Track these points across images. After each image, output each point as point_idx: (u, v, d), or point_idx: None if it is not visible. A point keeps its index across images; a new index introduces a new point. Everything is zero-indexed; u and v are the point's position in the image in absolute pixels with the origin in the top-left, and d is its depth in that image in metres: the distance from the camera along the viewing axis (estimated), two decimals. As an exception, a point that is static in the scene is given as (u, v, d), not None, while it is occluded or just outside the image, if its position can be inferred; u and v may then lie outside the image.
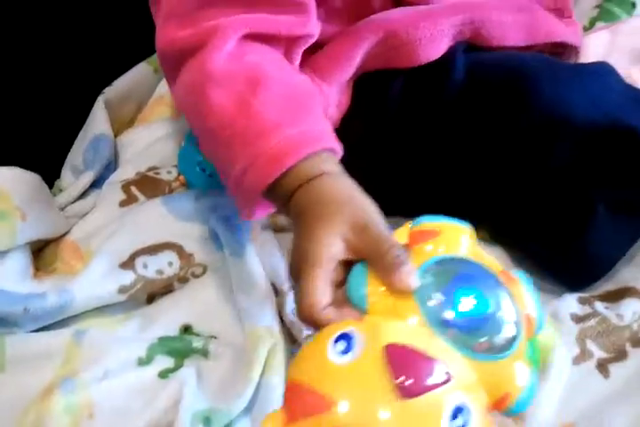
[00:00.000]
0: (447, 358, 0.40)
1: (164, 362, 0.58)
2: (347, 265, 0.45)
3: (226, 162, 0.54)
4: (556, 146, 0.59)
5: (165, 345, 0.59)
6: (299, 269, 0.45)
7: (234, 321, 0.61)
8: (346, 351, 0.40)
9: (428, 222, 0.46)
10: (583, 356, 0.55)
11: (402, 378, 0.38)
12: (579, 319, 0.57)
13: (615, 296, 0.59)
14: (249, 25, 0.55)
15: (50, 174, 0.78)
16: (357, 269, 0.44)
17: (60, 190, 0.77)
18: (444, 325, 0.41)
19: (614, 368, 0.55)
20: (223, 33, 0.54)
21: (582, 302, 0.58)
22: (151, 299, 0.64)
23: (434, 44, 0.63)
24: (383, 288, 0.42)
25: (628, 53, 0.75)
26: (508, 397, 0.41)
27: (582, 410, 0.53)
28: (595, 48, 0.75)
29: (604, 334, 0.56)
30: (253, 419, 0.55)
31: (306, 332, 0.58)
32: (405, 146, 0.63)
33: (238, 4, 0.55)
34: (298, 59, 0.60)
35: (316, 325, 0.43)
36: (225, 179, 0.55)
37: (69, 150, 0.80)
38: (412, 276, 0.42)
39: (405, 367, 0.39)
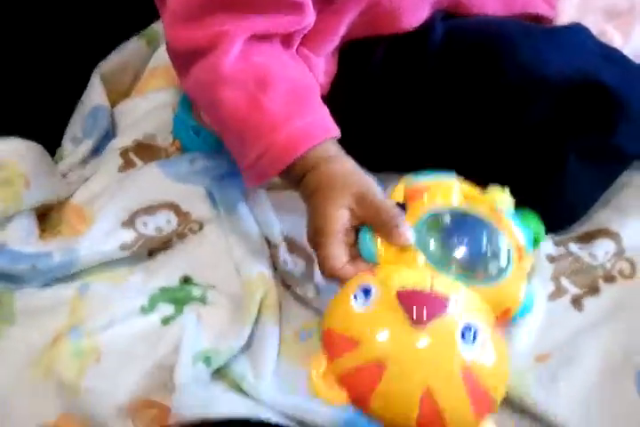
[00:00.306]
0: (450, 290, 0.48)
1: (166, 310, 0.61)
2: (355, 228, 0.54)
3: (239, 150, 0.59)
4: (532, 103, 0.61)
5: (166, 294, 0.62)
6: (316, 241, 0.53)
7: (230, 272, 0.64)
8: (365, 302, 0.48)
9: (421, 181, 0.54)
10: (558, 292, 0.58)
11: (411, 313, 0.46)
12: (553, 259, 0.60)
13: (589, 237, 0.61)
14: (253, 29, 0.58)
15: (51, 145, 0.80)
16: (364, 231, 0.53)
17: (62, 158, 0.79)
18: (443, 264, 0.50)
19: (588, 303, 0.58)
20: (231, 38, 0.58)
21: (557, 243, 0.61)
22: (151, 255, 0.67)
23: (415, 12, 0.65)
24: (387, 244, 0.51)
25: (602, 12, 0.77)
26: (510, 310, 0.49)
27: (557, 341, 0.56)
28: (569, 9, 0.77)
29: (577, 272, 0.59)
30: (250, 358, 0.58)
31: (298, 279, 0.61)
32: (389, 106, 0.66)
33: (242, 9, 0.58)
34: (296, 44, 0.63)
35: (339, 279, 0.52)
36: (236, 160, 0.60)
37: (68, 122, 0.83)
38: (407, 233, 0.51)
39: (413, 305, 0.46)
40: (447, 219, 0.51)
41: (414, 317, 0.46)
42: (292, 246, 0.65)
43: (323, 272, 0.53)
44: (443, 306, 0.46)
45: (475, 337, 0.46)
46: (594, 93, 0.59)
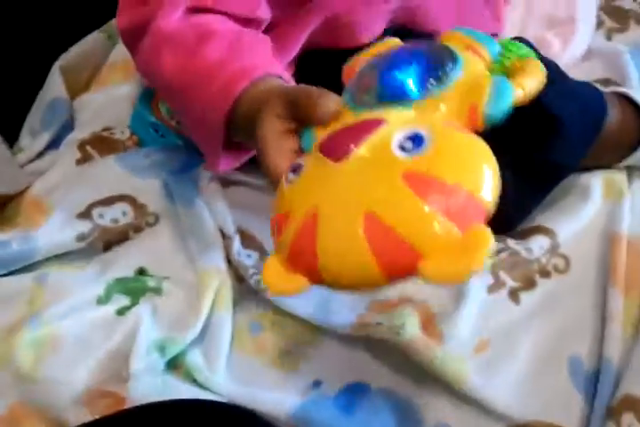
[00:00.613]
0: (379, 114, 0.39)
1: (121, 301, 0.61)
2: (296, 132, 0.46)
3: (187, 110, 0.55)
4: None
5: (122, 285, 0.62)
6: (258, 158, 0.46)
7: (185, 264, 0.63)
8: (295, 177, 0.40)
9: (360, 55, 0.47)
10: (497, 285, 0.59)
11: (327, 151, 0.38)
12: (492, 254, 0.61)
13: (525, 234, 0.62)
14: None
15: (9, 138, 0.79)
16: (304, 131, 0.44)
17: (20, 151, 0.78)
18: (371, 103, 0.41)
19: (524, 296, 0.59)
20: (173, 4, 0.55)
21: (496, 239, 0.61)
22: (108, 247, 0.66)
23: (371, 26, 0.65)
24: (324, 128, 0.42)
25: (544, 20, 0.79)
26: (476, 106, 0.39)
27: (496, 331, 0.57)
28: (512, 16, 0.79)
29: (515, 266, 0.60)
30: (204, 350, 0.58)
31: (251, 270, 0.62)
32: None
33: None
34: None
35: None
36: (191, 131, 0.57)
37: (27, 115, 0.82)
38: (328, 101, 0.43)
39: (331, 142, 0.39)
40: (382, 60, 0.43)
41: (331, 152, 0.38)
42: (246, 239, 0.65)
43: (274, 188, 0.44)
44: (368, 129, 0.38)
45: (419, 143, 0.37)
46: (529, 110, 0.60)
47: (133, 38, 0.59)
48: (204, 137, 0.56)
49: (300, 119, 0.45)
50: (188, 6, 0.56)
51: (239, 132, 0.53)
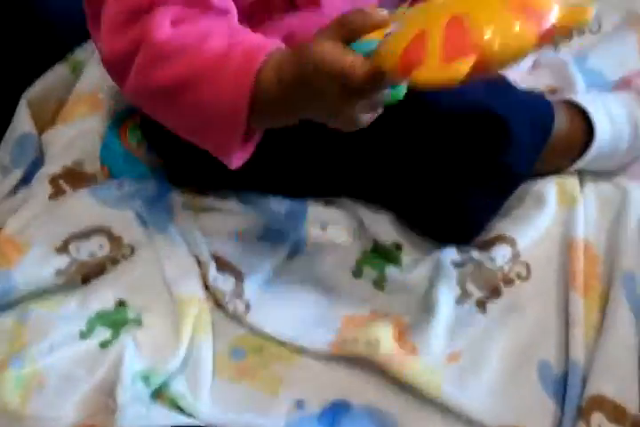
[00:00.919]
0: None
1: (104, 334, 0.60)
2: None
3: (199, 107, 0.52)
4: (422, 131, 0.61)
5: (103, 318, 0.61)
6: (322, 81, 0.46)
7: (163, 293, 0.63)
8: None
9: None
10: (464, 296, 0.60)
11: None
12: (458, 265, 0.62)
13: (488, 244, 0.63)
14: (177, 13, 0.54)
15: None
16: (355, 45, 0.46)
17: (-10, 189, 0.77)
18: None
19: (491, 305, 0.60)
20: (159, 13, 0.53)
21: (460, 251, 0.63)
22: (86, 281, 0.66)
23: None
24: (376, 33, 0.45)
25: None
26: None
27: (467, 341, 0.58)
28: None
29: (480, 276, 0.61)
30: (187, 377, 0.58)
31: (228, 296, 0.62)
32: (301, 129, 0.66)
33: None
34: None
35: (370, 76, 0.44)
36: (203, 131, 0.54)
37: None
38: (377, 9, 0.45)
39: None
40: None
41: None
42: (222, 264, 0.65)
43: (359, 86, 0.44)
44: None
45: None
46: (481, 119, 0.60)
47: (125, 63, 0.56)
48: (220, 130, 0.53)
49: (350, 38, 0.45)
50: (172, 20, 0.54)
51: (268, 103, 0.50)
